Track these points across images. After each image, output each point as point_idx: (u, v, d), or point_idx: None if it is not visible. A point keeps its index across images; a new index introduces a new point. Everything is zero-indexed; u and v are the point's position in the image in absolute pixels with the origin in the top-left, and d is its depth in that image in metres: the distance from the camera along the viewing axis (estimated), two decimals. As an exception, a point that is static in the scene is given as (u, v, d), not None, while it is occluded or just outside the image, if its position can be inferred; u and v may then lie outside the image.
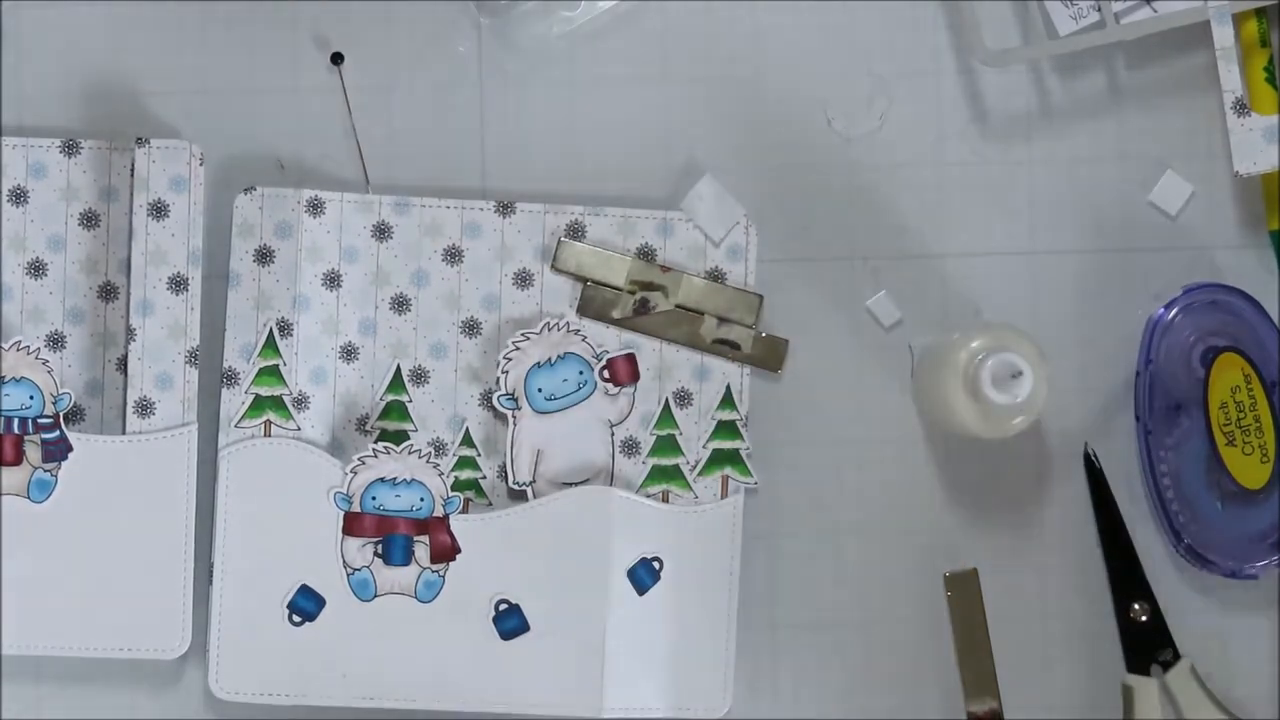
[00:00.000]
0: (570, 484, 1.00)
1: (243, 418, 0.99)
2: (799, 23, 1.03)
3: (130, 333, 0.98)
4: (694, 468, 1.00)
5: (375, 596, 0.99)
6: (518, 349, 0.99)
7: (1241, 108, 1.00)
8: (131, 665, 0.99)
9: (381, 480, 0.99)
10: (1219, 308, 1.01)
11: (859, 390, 1.02)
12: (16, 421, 0.98)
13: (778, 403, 1.02)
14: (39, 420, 0.98)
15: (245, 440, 0.99)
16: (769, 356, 1.01)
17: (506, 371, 1.00)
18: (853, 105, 1.03)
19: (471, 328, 1.00)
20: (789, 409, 1.02)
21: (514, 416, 1.00)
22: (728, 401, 1.00)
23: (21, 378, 0.98)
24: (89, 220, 0.99)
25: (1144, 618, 1.02)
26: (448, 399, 1.00)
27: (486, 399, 1.00)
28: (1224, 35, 0.99)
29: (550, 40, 1.02)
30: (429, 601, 0.99)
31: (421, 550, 0.99)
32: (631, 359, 1.00)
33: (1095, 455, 1.02)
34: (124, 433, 0.98)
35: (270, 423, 0.99)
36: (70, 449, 0.98)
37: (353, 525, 0.99)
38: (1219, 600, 1.03)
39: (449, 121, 1.02)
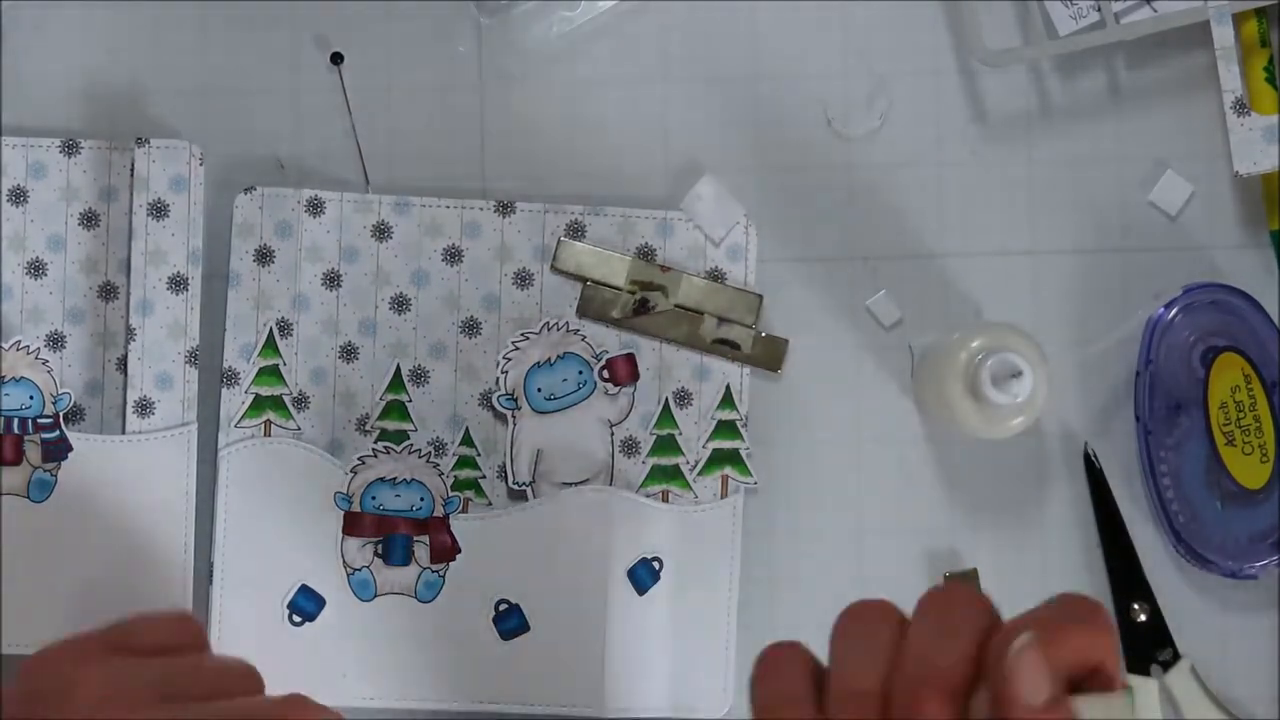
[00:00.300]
0: (570, 484, 1.00)
1: (242, 417, 0.99)
2: (799, 23, 1.02)
3: (130, 333, 0.98)
4: (694, 467, 1.00)
5: (375, 596, 0.99)
6: (517, 349, 0.99)
7: (1241, 108, 1.00)
8: (131, 665, 0.99)
9: (381, 480, 0.99)
10: (1219, 308, 1.01)
11: (859, 390, 1.02)
12: (16, 421, 0.98)
13: (778, 403, 1.02)
14: (39, 420, 0.98)
15: (245, 440, 0.99)
16: (769, 356, 1.01)
17: (506, 371, 1.00)
18: (853, 105, 1.03)
19: (471, 328, 1.00)
20: (789, 409, 1.02)
21: (514, 416, 1.00)
22: (728, 401, 1.00)
23: (21, 378, 0.98)
24: (89, 220, 0.99)
25: (1144, 618, 1.02)
26: (447, 399, 1.00)
27: (486, 399, 1.00)
28: (1224, 35, 0.99)
29: (550, 40, 1.02)
30: (429, 601, 0.99)
31: (421, 550, 0.99)
32: (631, 359, 1.00)
33: (1095, 455, 1.02)
34: (124, 433, 0.98)
35: (270, 422, 0.99)
36: (70, 449, 0.98)
37: (353, 525, 0.99)
38: (1219, 600, 1.03)
39: (449, 121, 1.02)
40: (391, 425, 1.00)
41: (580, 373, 1.00)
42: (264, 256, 0.99)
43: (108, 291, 0.99)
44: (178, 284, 0.99)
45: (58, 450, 0.98)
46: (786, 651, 0.75)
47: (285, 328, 0.99)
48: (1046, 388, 0.95)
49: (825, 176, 1.02)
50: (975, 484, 1.02)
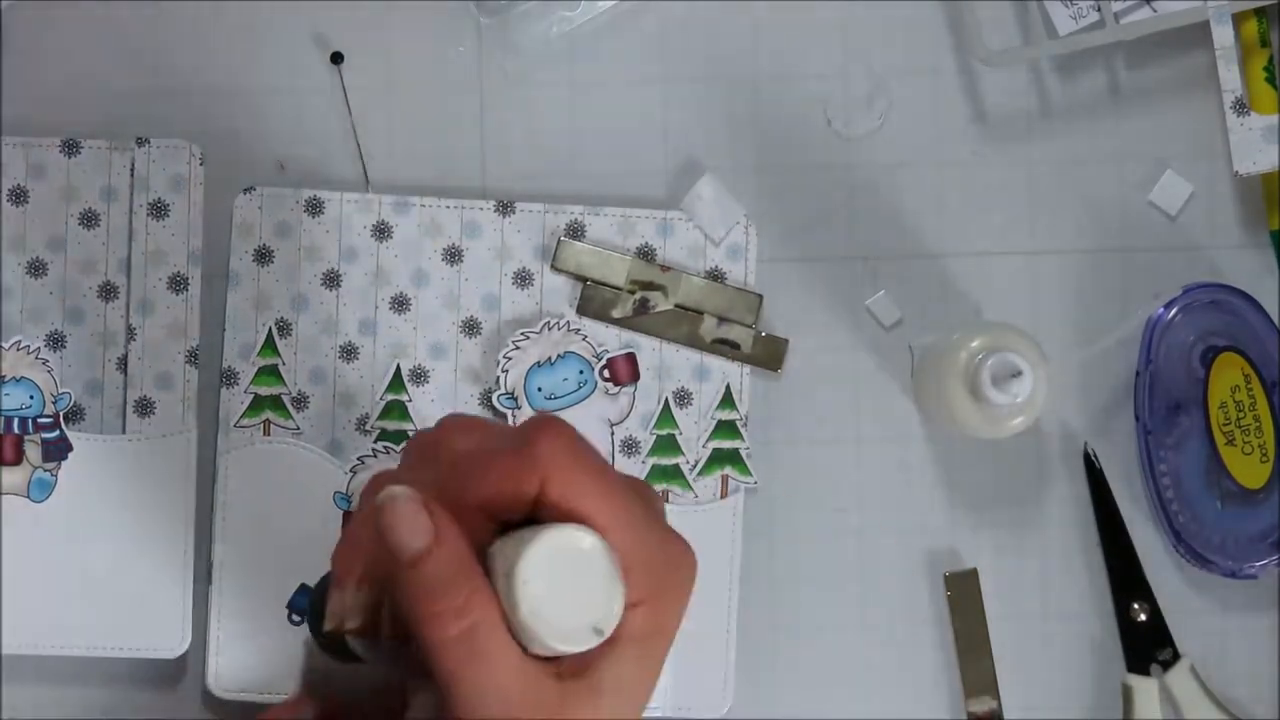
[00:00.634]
0: (570, 484, 1.00)
1: (242, 417, 0.99)
2: (798, 22, 1.02)
3: (130, 332, 0.98)
4: (694, 467, 1.00)
5: (375, 596, 0.99)
6: (518, 348, 0.99)
7: (1241, 107, 1.00)
8: (131, 665, 0.99)
9: (381, 480, 0.99)
10: (1219, 308, 1.01)
11: (859, 390, 1.02)
12: (16, 421, 0.98)
13: (778, 403, 1.02)
14: (39, 420, 0.98)
15: (244, 440, 0.99)
16: (769, 356, 1.01)
17: (506, 371, 0.99)
18: (853, 105, 1.03)
19: (471, 327, 1.00)
20: (789, 409, 1.02)
21: (513, 416, 1.00)
22: (727, 401, 1.00)
23: (21, 378, 0.98)
24: (89, 220, 0.99)
25: (1144, 617, 1.02)
26: (448, 399, 1.00)
27: (486, 399, 1.00)
28: (1224, 35, 0.99)
29: (550, 40, 1.02)
30: (429, 601, 0.99)
31: (421, 550, 0.99)
32: (632, 358, 1.00)
33: (1095, 455, 1.02)
34: (124, 432, 0.98)
35: (269, 422, 0.99)
36: (70, 449, 0.98)
37: (352, 525, 0.99)
38: (1219, 600, 1.03)
39: (449, 121, 1.02)
40: (391, 425, 1.00)
41: (581, 372, 1.00)
42: (263, 256, 0.99)
43: (108, 291, 0.99)
44: (178, 284, 0.99)
45: (58, 450, 0.98)
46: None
47: (284, 328, 0.99)
48: (1046, 388, 0.95)
49: (825, 176, 1.02)
50: (975, 484, 1.02)
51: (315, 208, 1.00)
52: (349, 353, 1.00)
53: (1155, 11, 1.01)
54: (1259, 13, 1.02)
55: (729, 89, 1.02)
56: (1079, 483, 1.02)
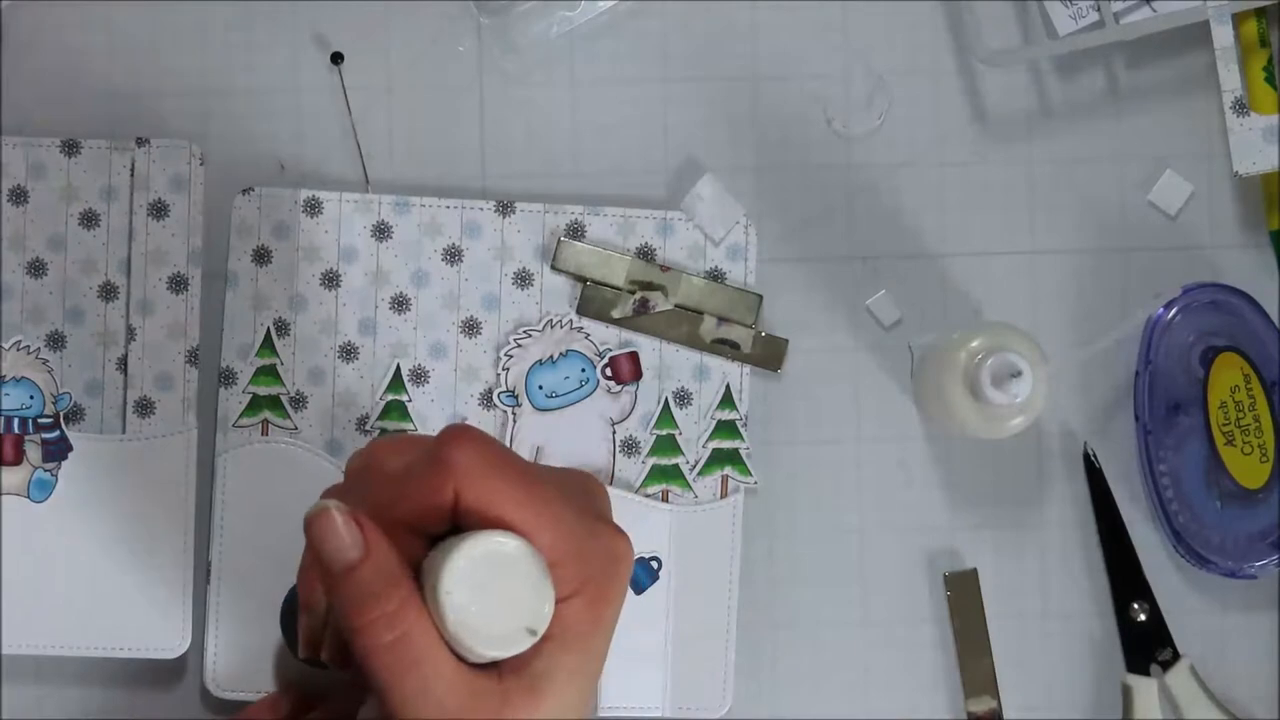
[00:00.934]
0: (570, 484, 1.00)
1: (240, 417, 0.99)
2: (799, 22, 1.03)
3: (130, 332, 0.98)
4: (694, 467, 1.00)
5: (375, 596, 0.99)
6: (520, 346, 0.99)
7: (1241, 108, 1.00)
8: (131, 665, 0.99)
9: (381, 480, 0.99)
10: (1219, 308, 1.01)
11: (859, 390, 1.02)
12: (16, 421, 0.98)
13: (778, 403, 1.02)
14: (39, 420, 0.98)
15: (243, 440, 0.99)
16: (769, 356, 1.01)
17: (508, 369, 1.00)
18: (853, 105, 1.03)
19: (471, 327, 1.00)
20: (789, 409, 1.02)
21: (513, 414, 1.00)
22: (727, 401, 1.00)
23: (21, 378, 0.98)
24: (89, 220, 0.99)
25: (1143, 617, 1.02)
26: (448, 399, 1.00)
27: (486, 398, 1.00)
28: (1223, 35, 1.00)
29: (550, 40, 1.02)
30: (429, 601, 0.99)
31: (421, 550, 0.99)
32: (634, 357, 1.00)
33: (1095, 455, 1.02)
34: (124, 432, 0.98)
35: (267, 422, 0.99)
36: (70, 449, 0.98)
37: (352, 525, 0.99)
38: (1219, 600, 1.03)
39: (449, 121, 1.02)
40: (391, 425, 1.00)
41: (583, 370, 1.00)
42: (261, 257, 0.99)
43: (108, 291, 0.99)
44: (178, 284, 0.99)
45: (58, 450, 0.98)
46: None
47: (282, 328, 0.99)
48: (1046, 388, 0.95)
49: (825, 176, 1.02)
50: (975, 484, 1.02)
51: (314, 208, 1.00)
52: (348, 353, 1.00)
53: (1155, 11, 1.01)
54: (1259, 13, 1.02)
55: (729, 89, 1.02)
56: (1079, 483, 1.03)
